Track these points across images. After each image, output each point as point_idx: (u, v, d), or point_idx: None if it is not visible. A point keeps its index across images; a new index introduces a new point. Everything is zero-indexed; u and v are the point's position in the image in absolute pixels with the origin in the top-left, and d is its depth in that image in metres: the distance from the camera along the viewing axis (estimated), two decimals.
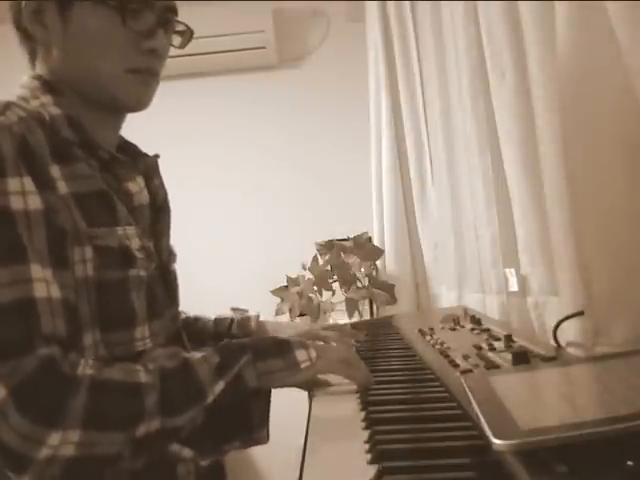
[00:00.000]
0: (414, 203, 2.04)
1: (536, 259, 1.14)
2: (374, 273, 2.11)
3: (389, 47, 2.12)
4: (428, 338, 1.11)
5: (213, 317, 1.17)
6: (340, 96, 2.50)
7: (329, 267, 2.06)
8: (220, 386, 0.76)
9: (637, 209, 0.80)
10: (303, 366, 0.82)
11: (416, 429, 0.67)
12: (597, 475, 0.45)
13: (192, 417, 0.74)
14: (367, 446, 0.63)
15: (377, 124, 2.21)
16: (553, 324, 0.97)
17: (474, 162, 1.39)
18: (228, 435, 0.79)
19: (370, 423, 0.70)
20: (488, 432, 0.50)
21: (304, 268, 2.10)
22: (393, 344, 1.19)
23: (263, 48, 2.49)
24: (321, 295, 2.06)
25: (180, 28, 0.93)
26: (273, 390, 0.83)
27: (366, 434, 0.67)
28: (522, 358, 0.78)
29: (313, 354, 0.83)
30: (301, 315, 2.06)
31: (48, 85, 0.84)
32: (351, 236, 2.10)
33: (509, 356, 0.80)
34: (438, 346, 1.02)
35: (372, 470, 0.56)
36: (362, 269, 2.05)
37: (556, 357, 0.83)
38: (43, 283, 0.70)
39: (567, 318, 0.94)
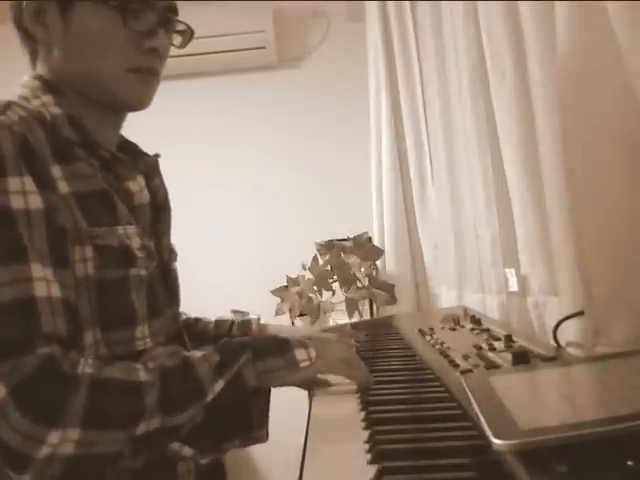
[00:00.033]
0: (414, 203, 2.04)
1: (536, 259, 1.14)
2: (374, 273, 2.11)
3: (389, 47, 2.12)
4: (428, 338, 1.11)
5: (214, 319, 1.17)
6: (340, 96, 2.50)
7: (329, 267, 2.06)
8: (220, 385, 0.76)
9: (637, 209, 0.80)
10: (302, 365, 0.82)
11: (416, 429, 0.67)
12: (597, 475, 0.45)
13: (192, 416, 0.74)
14: (367, 446, 0.63)
15: (377, 124, 2.21)
16: (553, 324, 0.97)
17: (474, 162, 1.39)
18: (228, 434, 0.79)
19: (370, 423, 0.70)
20: (488, 432, 0.50)
21: (304, 268, 2.10)
22: (393, 344, 1.19)
23: (263, 48, 2.49)
24: (321, 295, 2.06)
25: (181, 28, 0.93)
26: (273, 390, 0.83)
27: (366, 434, 0.67)
28: (522, 358, 0.78)
29: (313, 353, 0.83)
30: (301, 315, 2.06)
31: (49, 85, 0.85)
32: (351, 236, 2.10)
33: (509, 356, 0.80)
34: (438, 346, 1.02)
35: (372, 470, 0.56)
36: (362, 269, 2.05)
37: (556, 357, 0.83)
38: (43, 282, 0.70)
39: (567, 318, 0.94)
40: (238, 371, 0.78)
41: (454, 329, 1.16)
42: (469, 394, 0.62)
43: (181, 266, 1.00)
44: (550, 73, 0.95)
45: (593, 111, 0.83)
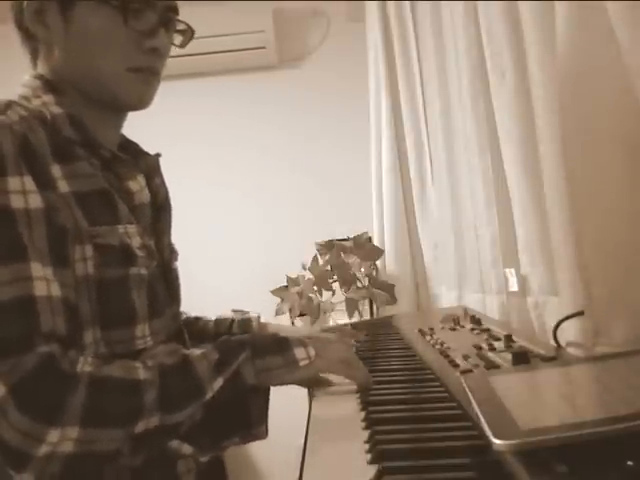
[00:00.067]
0: (414, 203, 2.04)
1: (536, 259, 1.14)
2: (374, 273, 2.11)
3: (389, 47, 2.12)
4: (428, 338, 1.11)
5: (214, 318, 1.17)
6: (340, 96, 2.50)
7: (329, 267, 2.06)
8: (219, 383, 0.76)
9: (637, 209, 0.80)
10: (302, 364, 0.82)
11: (416, 429, 0.67)
12: (597, 475, 0.45)
13: (191, 413, 0.74)
14: (367, 446, 0.63)
15: (377, 124, 2.21)
16: (553, 324, 0.97)
17: (474, 162, 1.39)
18: (227, 431, 0.79)
19: (370, 423, 0.70)
20: (488, 432, 0.50)
21: (304, 268, 2.10)
22: (393, 344, 1.19)
23: (263, 48, 2.50)
24: (321, 295, 2.06)
25: (181, 27, 0.93)
26: (273, 389, 0.83)
27: (366, 434, 0.67)
28: (522, 358, 0.78)
29: (312, 352, 0.83)
30: (301, 315, 2.06)
31: (50, 84, 0.85)
32: (351, 236, 2.10)
33: (509, 356, 0.80)
34: (438, 346, 1.02)
35: (372, 470, 0.56)
36: (362, 269, 2.05)
37: (556, 357, 0.83)
38: (43, 281, 0.70)
39: (567, 318, 0.94)
40: (237, 369, 0.78)
41: (454, 329, 1.16)
42: (469, 394, 0.62)
43: (181, 266, 1.00)
44: (550, 73, 0.95)
45: (593, 111, 0.83)
